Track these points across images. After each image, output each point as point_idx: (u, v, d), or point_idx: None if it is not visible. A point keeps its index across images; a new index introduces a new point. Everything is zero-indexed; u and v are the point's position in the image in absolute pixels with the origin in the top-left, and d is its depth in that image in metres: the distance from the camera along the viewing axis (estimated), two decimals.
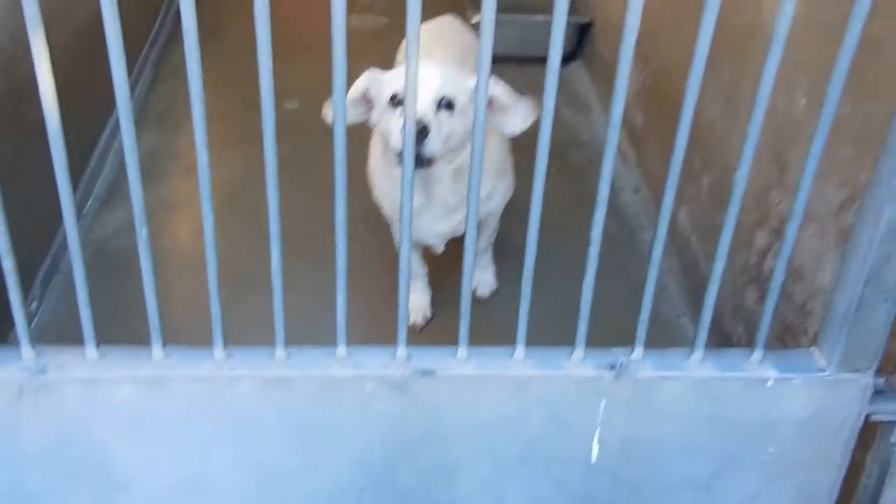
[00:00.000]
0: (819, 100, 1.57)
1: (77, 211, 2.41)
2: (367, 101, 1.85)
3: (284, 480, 1.37)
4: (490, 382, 1.31)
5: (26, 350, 1.27)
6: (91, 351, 1.28)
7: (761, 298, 1.89)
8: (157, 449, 1.34)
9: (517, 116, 1.78)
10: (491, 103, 1.78)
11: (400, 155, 1.66)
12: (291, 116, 3.14)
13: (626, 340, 1.31)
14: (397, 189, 1.91)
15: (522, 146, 2.02)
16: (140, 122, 3.08)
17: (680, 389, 1.32)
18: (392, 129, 1.75)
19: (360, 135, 1.98)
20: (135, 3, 2.95)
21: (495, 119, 1.79)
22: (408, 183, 1.18)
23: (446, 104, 1.76)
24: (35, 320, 2.19)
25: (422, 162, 1.74)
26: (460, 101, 1.78)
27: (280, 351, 1.29)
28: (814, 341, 1.35)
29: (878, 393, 1.36)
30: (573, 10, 3.58)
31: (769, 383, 1.31)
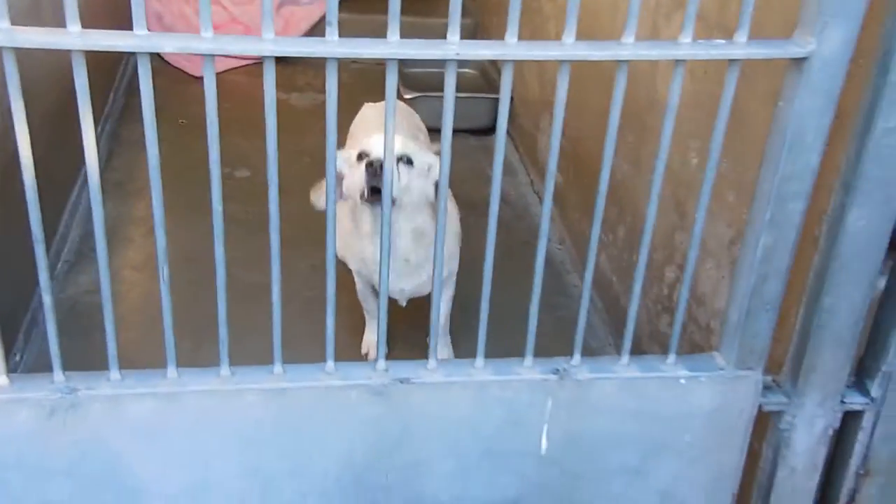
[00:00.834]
0: (706, 158, 1.93)
1: (51, 270, 2.60)
2: (339, 180, 2.10)
3: (280, 481, 1.58)
4: (456, 387, 1.57)
5: (58, 375, 1.47)
6: (115, 373, 1.49)
7: (671, 322, 2.21)
8: (169, 457, 1.54)
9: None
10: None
11: (368, 196, 1.97)
12: (244, 182, 3.40)
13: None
14: (360, 246, 2.17)
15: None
16: (114, 154, 3.31)
17: (611, 388, 1.61)
18: (356, 178, 2.01)
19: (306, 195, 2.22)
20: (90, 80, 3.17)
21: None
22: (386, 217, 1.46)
23: (406, 160, 2.06)
24: (20, 369, 2.34)
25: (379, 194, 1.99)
26: (417, 164, 2.08)
27: (278, 367, 1.53)
28: (716, 349, 1.66)
29: (767, 388, 1.68)
30: (493, 87, 3.97)
31: (682, 381, 1.61)
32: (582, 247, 2.86)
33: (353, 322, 2.68)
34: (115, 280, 2.80)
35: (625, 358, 1.61)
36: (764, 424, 1.72)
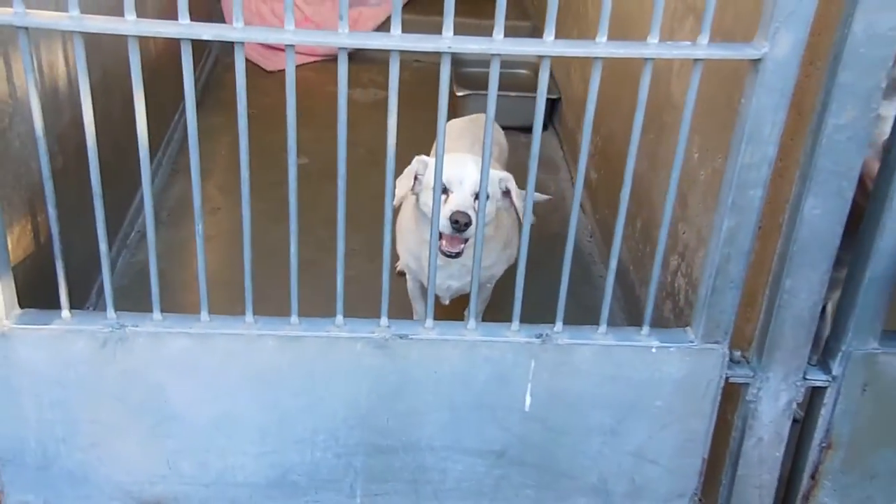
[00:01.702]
0: (706, 153, 2.10)
1: (124, 239, 2.91)
2: (416, 178, 2.22)
3: (294, 417, 1.82)
4: (448, 345, 1.77)
5: (110, 312, 1.74)
6: (157, 314, 1.75)
7: (674, 309, 2.37)
8: (201, 390, 1.79)
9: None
10: (508, 193, 2.21)
11: (440, 238, 2.05)
12: (301, 168, 3.67)
13: None
14: (419, 248, 2.31)
15: None
16: (173, 176, 3.61)
17: (589, 353, 1.79)
18: (436, 215, 2.01)
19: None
20: (172, 73, 3.46)
21: (513, 203, 2.22)
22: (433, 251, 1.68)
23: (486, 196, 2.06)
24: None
25: (460, 243, 2.08)
26: (492, 190, 2.15)
27: (294, 318, 1.76)
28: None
29: (736, 362, 1.83)
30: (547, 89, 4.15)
31: (653, 350, 1.78)
32: (609, 240, 3.02)
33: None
34: (183, 249, 3.14)
35: (602, 327, 1.79)
36: (735, 396, 1.87)
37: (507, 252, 2.43)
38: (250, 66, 4.58)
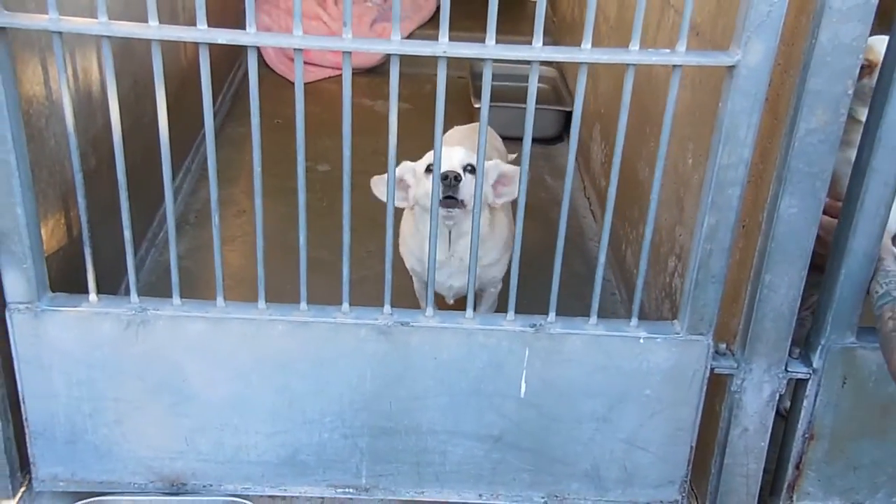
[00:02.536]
0: (699, 159, 2.19)
1: (152, 239, 3.06)
2: (404, 186, 2.32)
3: (303, 399, 1.95)
4: (447, 332, 1.89)
5: (133, 297, 1.88)
6: (176, 299, 1.89)
7: (672, 308, 2.46)
8: (216, 371, 1.92)
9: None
10: (502, 178, 2.31)
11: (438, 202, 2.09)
12: (323, 175, 3.83)
13: None
14: (421, 250, 2.42)
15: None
16: (201, 180, 3.77)
17: (580, 343, 1.89)
18: (428, 189, 2.15)
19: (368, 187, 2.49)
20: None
21: (506, 189, 2.31)
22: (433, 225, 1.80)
23: (470, 169, 2.18)
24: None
25: (456, 202, 2.16)
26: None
27: (303, 304, 1.89)
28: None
29: (721, 354, 1.92)
30: (561, 101, 4.28)
31: (641, 340, 1.88)
32: (617, 246, 3.13)
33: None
34: (206, 250, 3.28)
35: (593, 318, 1.89)
36: (722, 387, 1.96)
37: (507, 255, 2.49)
38: (278, 77, 4.76)
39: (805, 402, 1.92)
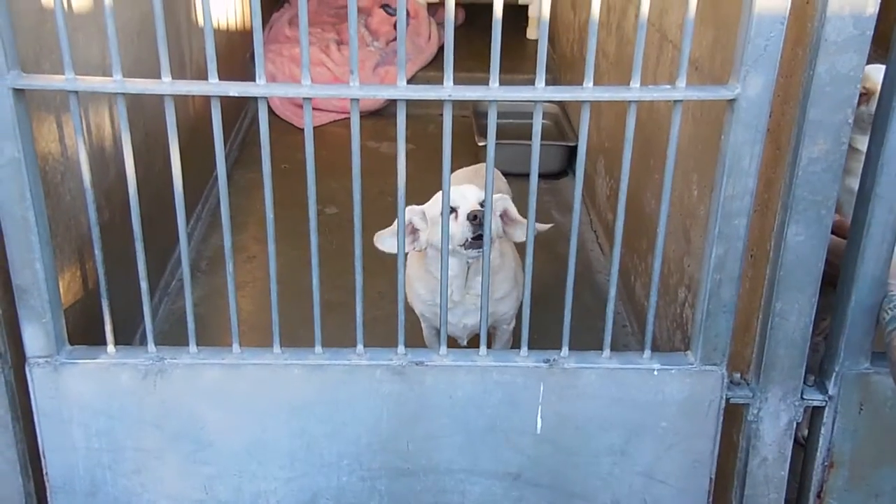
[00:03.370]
0: (705, 190, 2.22)
1: (165, 288, 3.09)
2: (411, 230, 2.34)
3: (321, 443, 1.95)
4: (462, 371, 1.90)
5: (151, 347, 1.90)
6: (193, 347, 1.91)
7: (683, 339, 2.47)
8: (234, 417, 1.94)
9: (522, 229, 2.29)
10: (505, 215, 2.33)
11: (464, 244, 2.20)
12: (332, 218, 3.86)
13: None
14: (432, 296, 2.42)
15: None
16: (211, 227, 3.81)
17: (595, 376, 1.90)
18: (454, 231, 2.18)
19: (376, 228, 2.50)
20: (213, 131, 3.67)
21: (508, 229, 2.33)
22: (445, 260, 1.83)
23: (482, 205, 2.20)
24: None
25: (480, 242, 2.14)
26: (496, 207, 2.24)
27: (318, 348, 1.91)
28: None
29: (736, 384, 1.93)
30: (563, 136, 4.32)
31: (655, 372, 1.89)
32: (626, 278, 3.14)
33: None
34: (218, 296, 3.31)
35: (606, 351, 1.91)
36: (738, 417, 1.96)
37: (517, 288, 2.51)
38: (284, 124, 4.82)
39: (823, 430, 1.92)
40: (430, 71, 5.13)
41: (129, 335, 2.79)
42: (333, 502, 2.02)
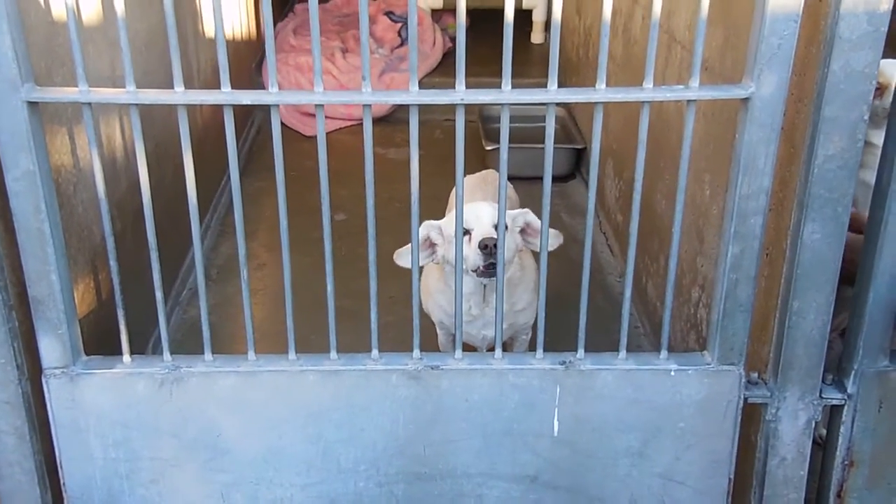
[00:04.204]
0: (717, 189, 2.21)
1: (176, 297, 3.10)
2: (429, 245, 2.33)
3: (337, 449, 1.95)
4: (477, 374, 1.90)
5: (167, 355, 1.90)
6: (208, 356, 1.90)
7: (698, 340, 2.46)
8: (249, 425, 1.93)
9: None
10: (527, 228, 2.31)
11: (477, 271, 2.17)
12: (340, 224, 3.86)
13: None
14: (449, 306, 2.40)
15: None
16: (221, 237, 3.82)
17: (611, 378, 1.89)
18: (467, 254, 2.15)
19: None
20: (219, 141, 3.67)
21: (530, 240, 2.31)
22: (460, 279, 1.83)
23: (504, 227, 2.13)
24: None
25: (494, 268, 2.08)
26: (508, 224, 2.20)
27: (333, 354, 1.91)
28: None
29: (754, 383, 1.92)
30: (571, 139, 4.32)
31: (672, 373, 1.88)
32: (638, 278, 3.13)
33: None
34: (231, 304, 3.32)
35: (622, 353, 1.90)
36: (756, 417, 1.95)
37: (536, 297, 2.41)
38: (291, 132, 4.83)
39: (842, 429, 1.91)
40: (435, 77, 5.15)
41: (141, 344, 2.79)
42: None
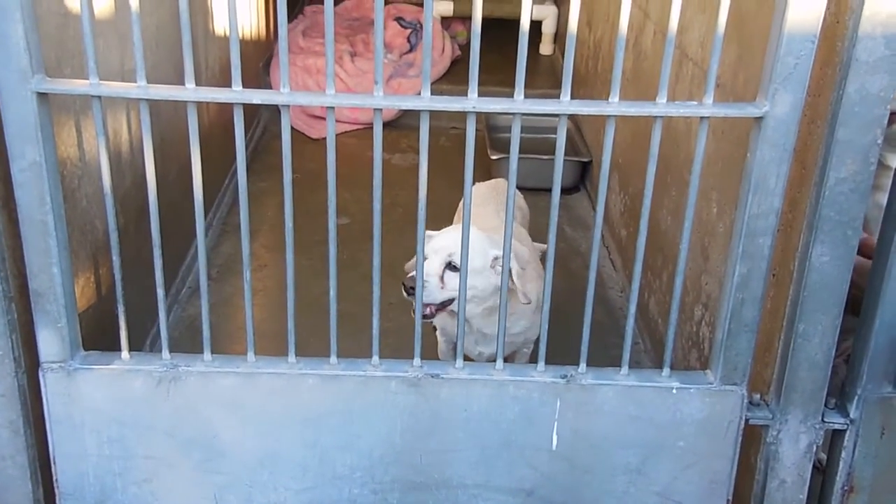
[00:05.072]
0: (724, 207, 2.20)
1: (176, 294, 3.08)
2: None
3: (333, 455, 1.93)
4: (478, 384, 1.88)
5: (165, 354, 1.88)
6: (207, 355, 1.89)
7: (700, 358, 2.45)
8: (246, 427, 1.92)
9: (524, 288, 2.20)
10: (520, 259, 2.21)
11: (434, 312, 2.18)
12: (343, 228, 3.85)
13: None
14: (450, 316, 2.38)
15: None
16: (222, 236, 3.81)
17: (612, 393, 1.88)
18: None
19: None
20: (223, 141, 3.65)
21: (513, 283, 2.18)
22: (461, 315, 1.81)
23: (452, 267, 2.16)
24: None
25: (426, 308, 2.12)
26: (476, 264, 2.13)
27: (333, 358, 1.89)
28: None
29: (755, 405, 1.91)
30: (577, 151, 4.31)
31: (674, 391, 1.87)
32: (640, 294, 3.10)
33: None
34: (230, 304, 3.30)
35: (624, 369, 1.88)
36: (757, 439, 1.94)
37: (536, 316, 2.41)
38: (296, 134, 4.82)
39: (843, 454, 1.90)
40: (443, 84, 5.14)
41: (139, 340, 2.77)
42: None
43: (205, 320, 1.86)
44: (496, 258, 2.20)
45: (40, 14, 1.81)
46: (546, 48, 5.74)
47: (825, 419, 1.87)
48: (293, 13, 5.98)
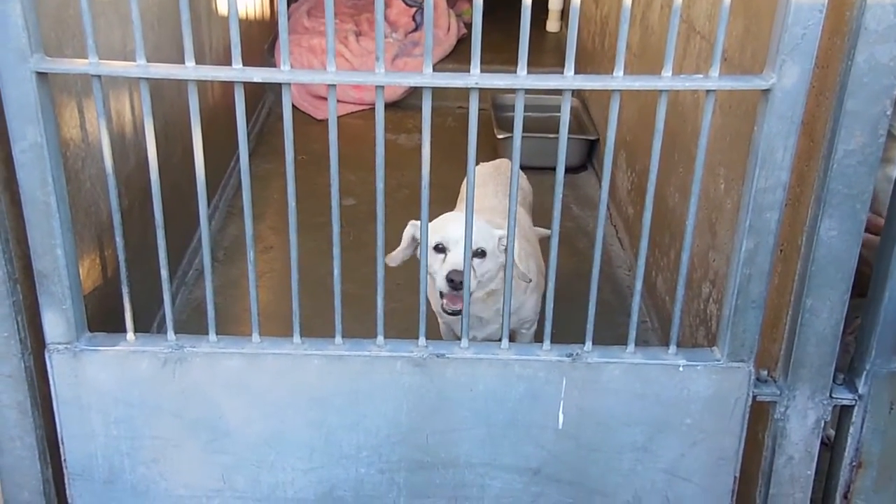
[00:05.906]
0: (732, 183, 2.19)
1: (182, 277, 3.08)
2: (415, 243, 2.32)
3: (339, 434, 1.93)
4: (483, 363, 1.87)
5: (170, 334, 1.88)
6: (212, 336, 1.89)
7: (707, 335, 2.44)
8: (252, 407, 1.92)
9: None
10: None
11: (441, 294, 2.15)
12: (348, 209, 3.84)
13: None
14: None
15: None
16: (228, 218, 3.80)
17: (618, 371, 1.87)
18: (437, 274, 2.14)
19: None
20: (229, 123, 3.65)
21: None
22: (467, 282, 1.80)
23: (480, 253, 2.18)
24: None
25: (459, 301, 2.09)
26: (489, 248, 2.20)
27: (338, 338, 1.88)
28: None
29: (763, 381, 1.89)
30: (584, 130, 4.28)
31: (680, 368, 1.86)
32: (647, 272, 3.10)
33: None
34: (237, 286, 3.30)
35: (630, 346, 1.87)
36: (764, 415, 1.93)
37: (534, 296, 2.47)
38: (301, 115, 4.81)
39: (851, 430, 1.89)
40: (449, 63, 5.11)
41: (145, 323, 2.77)
42: (351, 494, 2.00)
43: (209, 301, 1.86)
44: (500, 238, 2.23)
45: None
46: (553, 25, 5.70)
47: (833, 395, 1.86)
48: None
